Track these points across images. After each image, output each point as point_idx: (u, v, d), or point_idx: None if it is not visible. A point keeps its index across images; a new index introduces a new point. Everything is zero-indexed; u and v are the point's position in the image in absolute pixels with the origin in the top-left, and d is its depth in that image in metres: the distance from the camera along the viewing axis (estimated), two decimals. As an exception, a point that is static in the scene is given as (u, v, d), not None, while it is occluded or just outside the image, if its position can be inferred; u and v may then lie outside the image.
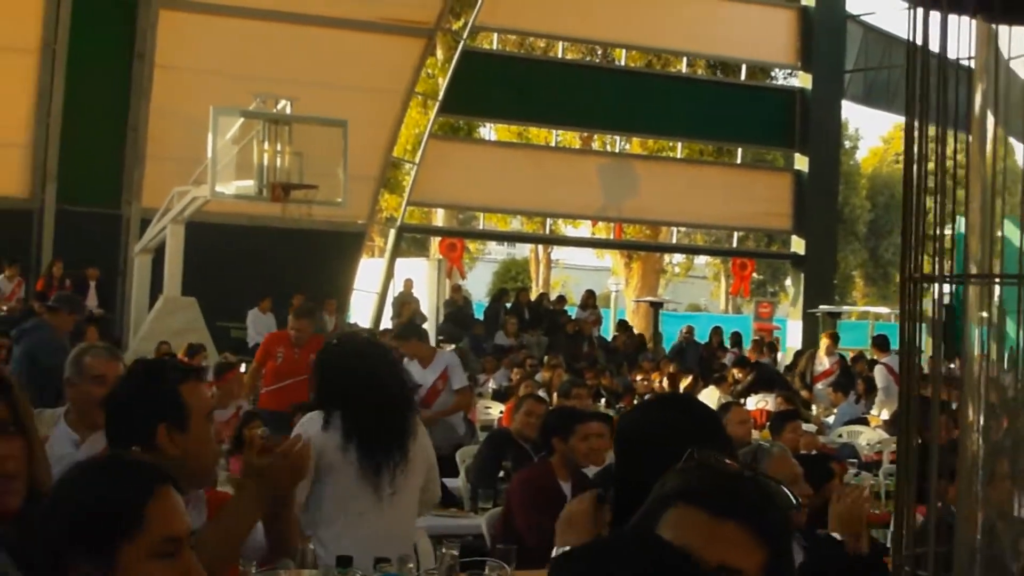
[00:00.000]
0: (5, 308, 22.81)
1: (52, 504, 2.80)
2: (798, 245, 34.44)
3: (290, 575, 4.66)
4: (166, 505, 2.79)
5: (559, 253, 49.59)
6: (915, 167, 2.36)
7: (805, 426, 14.41)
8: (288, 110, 21.43)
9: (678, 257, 49.99)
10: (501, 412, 15.44)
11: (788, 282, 40.41)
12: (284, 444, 4.50)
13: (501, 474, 10.11)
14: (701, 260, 52.91)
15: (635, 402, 19.41)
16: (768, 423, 15.25)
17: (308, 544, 4.47)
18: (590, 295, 31.04)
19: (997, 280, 2.41)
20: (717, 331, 30.31)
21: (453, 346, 23.43)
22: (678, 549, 2.22)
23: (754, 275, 39.69)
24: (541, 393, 18.05)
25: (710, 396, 19.70)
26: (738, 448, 10.51)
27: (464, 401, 13.53)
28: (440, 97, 30.70)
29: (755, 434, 16.91)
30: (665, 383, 20.97)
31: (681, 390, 20.46)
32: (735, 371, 22.13)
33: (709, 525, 2.50)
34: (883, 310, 40.97)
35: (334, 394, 6.48)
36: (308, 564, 4.64)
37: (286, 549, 4.55)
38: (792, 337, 34.04)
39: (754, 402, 19.83)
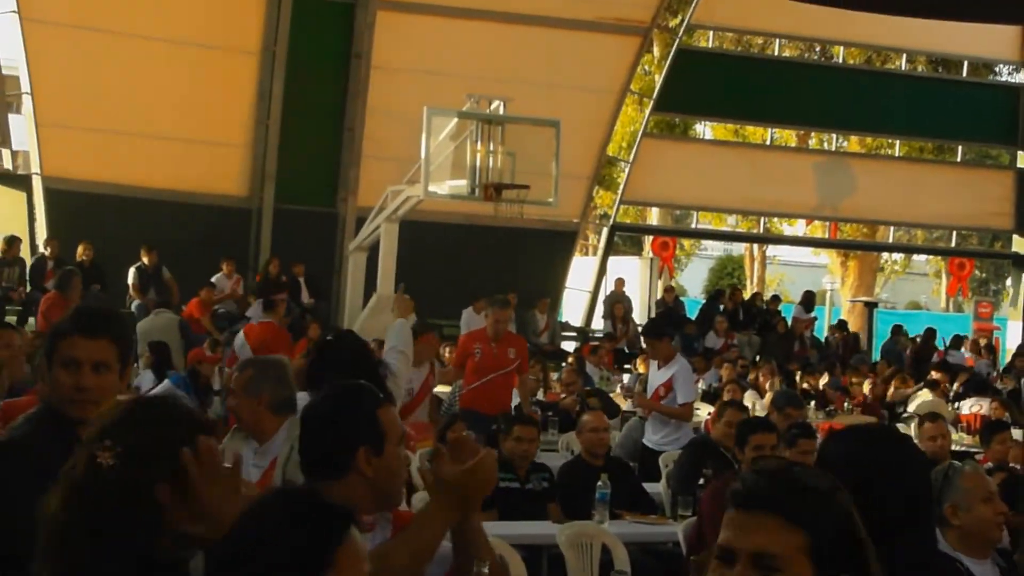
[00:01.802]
0: (222, 308, 23.41)
1: (248, 540, 2.82)
2: (1019, 244, 33.69)
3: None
4: (353, 551, 2.84)
5: (775, 250, 49.13)
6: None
7: (1017, 433, 14.12)
8: (501, 110, 21.59)
9: (897, 255, 49.16)
10: (709, 415, 15.47)
11: (1009, 282, 39.55)
12: (479, 453, 4.55)
13: (701, 481, 10.11)
14: (921, 257, 51.97)
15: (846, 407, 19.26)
16: (979, 430, 15.02)
17: (484, 567, 4.48)
18: (809, 296, 30.61)
19: None
20: (931, 332, 29.66)
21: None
22: None
23: (977, 273, 38.89)
24: (749, 394, 18.07)
25: (923, 399, 19.44)
26: (932, 462, 10.45)
27: (685, 414, 13.52)
28: (655, 95, 30.67)
29: (967, 439, 16.68)
30: (878, 388, 20.69)
31: (892, 393, 20.24)
32: (934, 374, 21.75)
33: (741, 519, 2.85)
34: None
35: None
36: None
37: (470, 567, 4.57)
38: (1012, 338, 33.32)
39: (968, 406, 19.49)
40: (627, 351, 25.90)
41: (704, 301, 32.30)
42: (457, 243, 26.40)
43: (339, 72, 26.36)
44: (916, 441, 12.42)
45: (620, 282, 29.16)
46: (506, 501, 9.71)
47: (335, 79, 26.33)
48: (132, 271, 23.30)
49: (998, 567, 6.06)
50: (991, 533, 5.94)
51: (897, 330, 30.06)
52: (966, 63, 34.01)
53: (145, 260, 23.42)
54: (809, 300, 30.41)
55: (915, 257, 51.56)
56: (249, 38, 25.75)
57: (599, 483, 9.81)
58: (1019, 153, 33.52)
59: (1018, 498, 7.42)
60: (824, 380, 21.62)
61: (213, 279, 23.82)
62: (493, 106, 21.69)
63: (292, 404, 6.43)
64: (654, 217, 40.49)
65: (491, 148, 21.00)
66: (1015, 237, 33.94)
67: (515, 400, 14.08)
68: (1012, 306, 34.71)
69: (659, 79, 31.21)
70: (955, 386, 21.40)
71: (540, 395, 17.89)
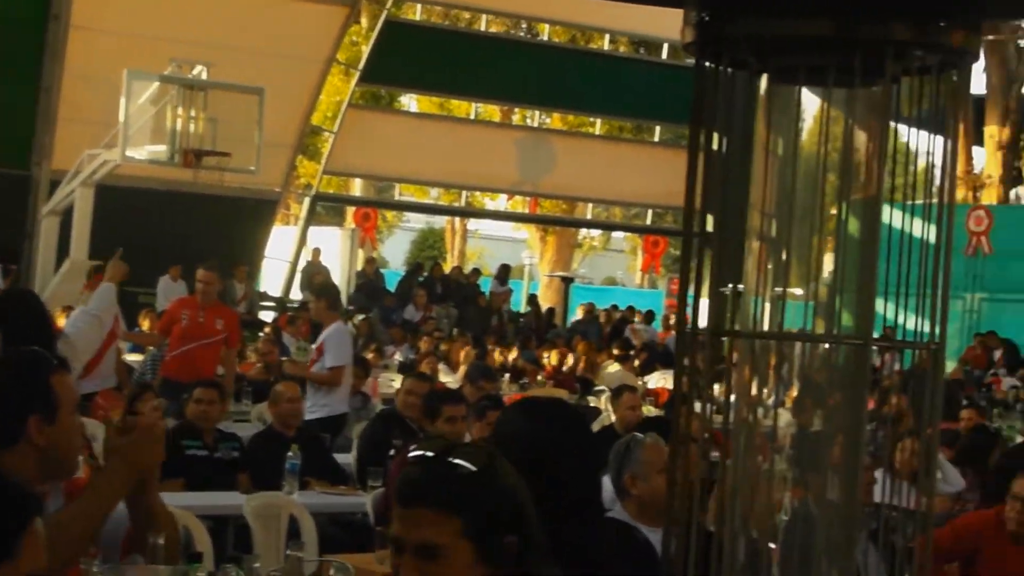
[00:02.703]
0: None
1: None
2: (711, 224, 34.65)
3: (139, 571, 4.65)
4: (37, 538, 2.81)
5: (476, 224, 49.65)
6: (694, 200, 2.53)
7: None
8: (204, 76, 21.34)
9: (596, 231, 50.18)
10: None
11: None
12: (141, 420, 4.53)
13: (392, 452, 10.20)
14: (619, 234, 53.13)
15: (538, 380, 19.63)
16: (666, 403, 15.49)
17: (159, 538, 4.48)
18: (504, 269, 31.22)
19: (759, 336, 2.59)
20: (618, 308, 30.59)
21: (362, 316, 23.55)
22: None
23: (671, 251, 39.91)
24: (443, 367, 18.27)
25: (613, 372, 19.94)
26: (605, 437, 10.79)
27: (330, 379, 13.19)
28: (361, 66, 30.63)
29: (654, 411, 17.17)
30: (570, 360, 21.13)
31: (583, 367, 20.68)
32: (614, 349, 22.40)
33: (403, 513, 3.05)
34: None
35: None
36: (159, 559, 4.65)
37: (145, 537, 4.56)
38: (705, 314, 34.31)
39: (655, 379, 20.07)
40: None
41: (403, 273, 32.49)
42: (156, 210, 25.88)
43: (37, 32, 25.57)
44: (612, 412, 12.82)
45: (317, 252, 29.19)
46: (194, 470, 9.67)
47: (32, 39, 25.54)
48: None
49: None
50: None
51: (591, 306, 30.82)
52: (666, 45, 34.83)
53: None
54: (504, 273, 30.93)
55: (613, 234, 52.68)
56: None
57: (289, 453, 9.81)
58: (715, 135, 34.42)
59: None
60: (518, 353, 21.97)
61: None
62: (196, 71, 21.42)
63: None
64: (357, 188, 40.46)
65: (192, 114, 20.76)
66: (708, 216, 34.87)
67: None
68: (714, 284, 35.71)
69: (366, 50, 31.18)
70: (639, 361, 22.06)
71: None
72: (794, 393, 2.72)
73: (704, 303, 2.70)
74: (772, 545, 2.71)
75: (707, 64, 2.61)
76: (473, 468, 3.03)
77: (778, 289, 2.70)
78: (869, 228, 2.55)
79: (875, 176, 2.56)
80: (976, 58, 2.60)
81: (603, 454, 6.26)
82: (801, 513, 2.74)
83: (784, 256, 2.75)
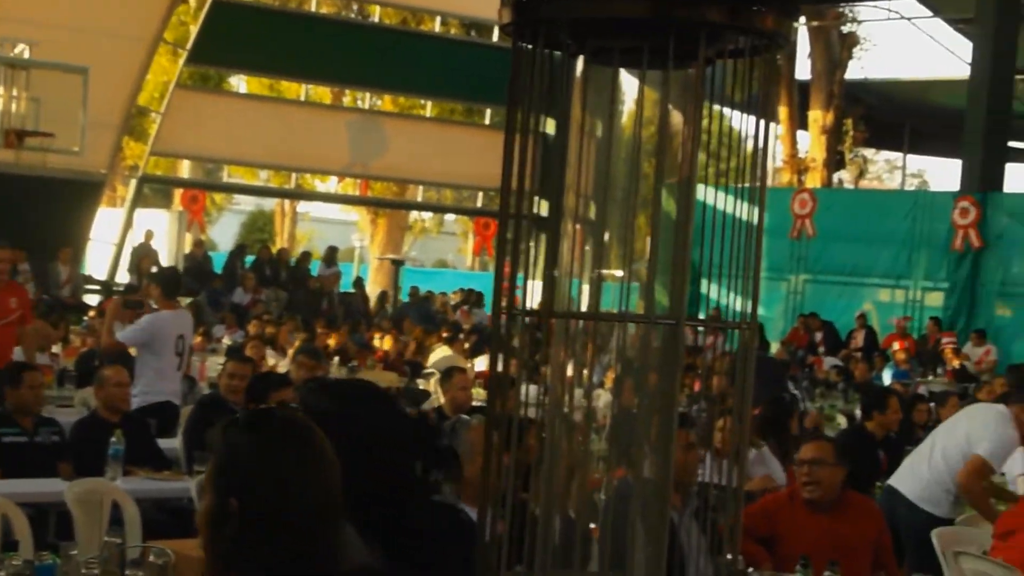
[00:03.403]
0: None
1: None
2: (543, 207, 34.89)
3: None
4: None
5: (306, 207, 49.36)
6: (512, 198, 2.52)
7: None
8: (27, 54, 20.92)
9: (428, 214, 50.19)
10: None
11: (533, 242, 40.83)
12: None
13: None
14: (451, 217, 53.21)
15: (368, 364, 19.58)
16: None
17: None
18: (331, 251, 31.13)
19: (570, 317, 2.60)
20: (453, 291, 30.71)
21: (190, 300, 23.27)
22: None
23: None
24: (272, 351, 18.14)
25: (442, 355, 19.95)
26: (458, 412, 10.82)
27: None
28: (190, 46, 30.24)
29: (483, 393, 17.22)
30: (399, 343, 21.13)
31: (412, 350, 20.69)
32: (443, 332, 22.53)
33: None
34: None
35: None
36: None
37: None
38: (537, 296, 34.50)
39: (484, 363, 20.11)
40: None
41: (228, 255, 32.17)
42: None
43: None
44: (441, 394, 12.81)
45: (149, 234, 28.78)
46: (12, 457, 9.47)
47: None
48: None
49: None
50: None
51: (415, 290, 30.90)
52: (497, 28, 34.86)
53: None
54: (332, 255, 30.85)
55: (446, 216, 52.74)
56: None
57: (112, 439, 9.64)
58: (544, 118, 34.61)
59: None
60: (346, 337, 21.88)
61: None
62: (18, 50, 20.99)
63: None
64: (185, 170, 39.96)
65: (15, 93, 20.28)
66: (538, 200, 35.08)
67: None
68: (534, 266, 35.90)
69: (194, 30, 30.79)
70: (468, 343, 22.11)
71: (58, 348, 17.41)
72: (613, 374, 2.74)
73: (532, 285, 2.70)
74: (592, 525, 2.72)
75: (524, 45, 2.61)
76: (241, 422, 3.02)
77: (597, 272, 2.72)
78: (684, 210, 2.57)
79: (689, 158, 2.59)
80: (788, 41, 2.64)
81: (426, 437, 6.27)
82: (621, 492, 2.77)
83: (603, 238, 2.76)
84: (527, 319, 2.55)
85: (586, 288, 2.75)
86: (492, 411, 2.51)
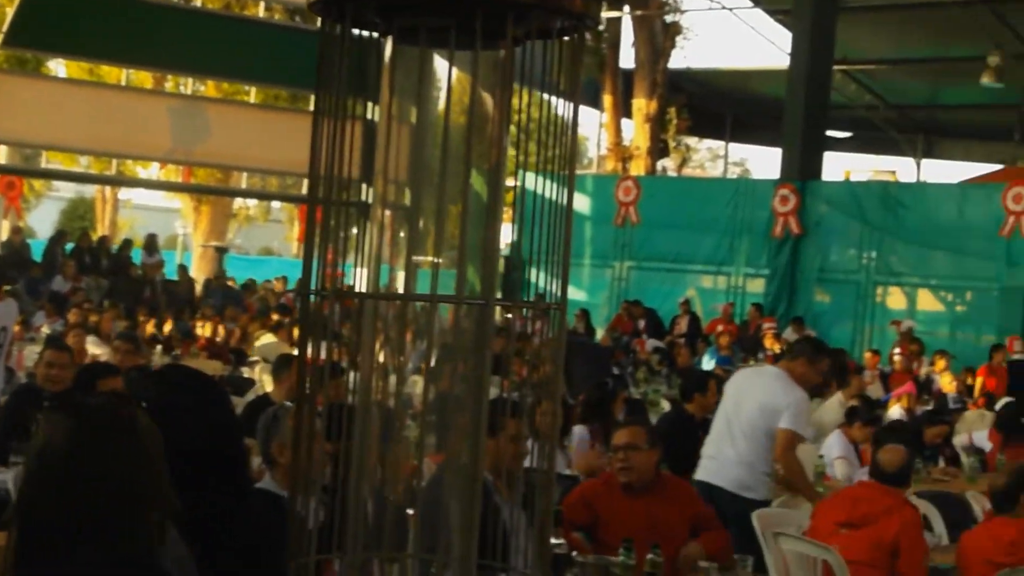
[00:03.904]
0: None
1: None
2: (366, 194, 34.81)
3: None
4: None
5: (128, 194, 48.63)
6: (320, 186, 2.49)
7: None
8: None
9: (252, 201, 49.75)
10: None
11: (355, 229, 40.77)
12: None
13: (34, 427, 9.84)
14: (277, 204, 52.82)
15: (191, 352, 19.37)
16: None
17: None
18: (151, 239, 30.75)
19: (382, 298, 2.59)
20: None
21: (7, 288, 22.79)
22: None
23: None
24: (92, 339, 17.82)
25: (267, 343, 19.82)
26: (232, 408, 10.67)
27: None
28: (6, 29, 29.59)
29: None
30: (221, 331, 20.94)
31: (236, 338, 20.52)
32: (274, 316, 22.48)
33: None
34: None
35: None
36: None
37: None
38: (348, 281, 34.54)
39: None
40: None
41: (47, 243, 31.59)
42: None
43: None
44: (268, 382, 12.70)
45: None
46: None
47: None
48: None
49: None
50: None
51: (231, 279, 30.78)
52: (321, 16, 34.70)
53: None
54: (152, 243, 30.48)
55: (274, 204, 52.33)
56: None
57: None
58: (369, 104, 34.50)
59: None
60: (170, 325, 21.62)
61: None
62: None
63: None
64: (1, 155, 39.08)
65: None
66: (363, 186, 34.99)
67: None
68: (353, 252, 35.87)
69: (10, 12, 30.13)
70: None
71: None
72: (431, 360, 2.72)
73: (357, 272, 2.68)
74: (409, 511, 2.71)
75: (332, 25, 2.58)
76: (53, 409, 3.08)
77: (412, 257, 2.70)
78: (493, 193, 2.56)
79: (499, 142, 2.57)
80: (596, 23, 2.63)
81: (250, 424, 6.21)
82: (438, 478, 2.76)
83: (419, 224, 2.75)
84: (337, 303, 2.53)
85: (401, 275, 2.74)
86: (302, 395, 2.49)
